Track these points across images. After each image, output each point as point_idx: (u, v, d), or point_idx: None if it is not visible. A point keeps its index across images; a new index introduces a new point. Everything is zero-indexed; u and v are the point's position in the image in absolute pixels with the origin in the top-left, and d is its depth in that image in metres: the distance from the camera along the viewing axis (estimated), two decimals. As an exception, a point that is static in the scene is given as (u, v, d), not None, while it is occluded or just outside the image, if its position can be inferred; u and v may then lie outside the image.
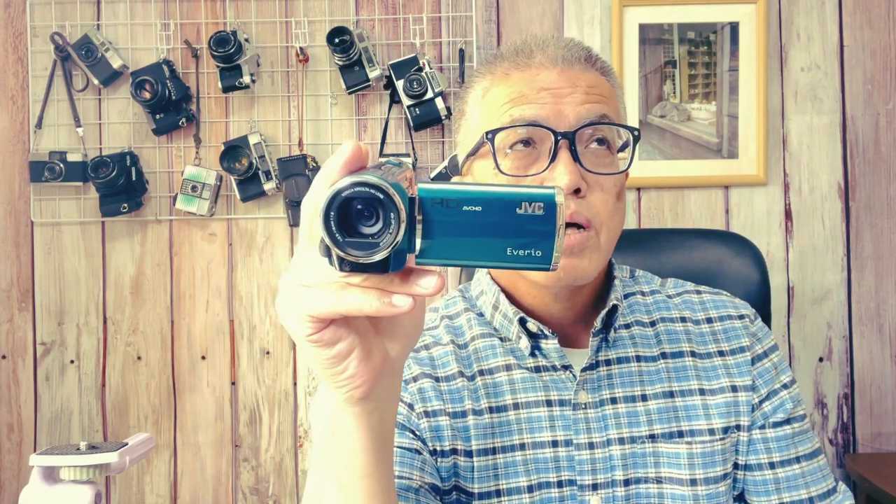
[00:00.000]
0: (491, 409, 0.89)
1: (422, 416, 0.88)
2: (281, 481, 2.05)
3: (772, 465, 0.90)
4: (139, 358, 2.05)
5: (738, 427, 0.90)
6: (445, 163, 1.96)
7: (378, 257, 0.45)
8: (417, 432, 0.87)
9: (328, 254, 0.46)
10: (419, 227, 0.46)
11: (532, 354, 0.90)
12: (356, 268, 0.46)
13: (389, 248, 0.45)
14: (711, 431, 0.89)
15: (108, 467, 0.77)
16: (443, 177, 1.96)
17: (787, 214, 2.00)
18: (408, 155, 1.97)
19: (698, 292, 0.98)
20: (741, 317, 0.96)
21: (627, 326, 0.93)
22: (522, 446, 0.87)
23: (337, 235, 0.45)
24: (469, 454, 0.88)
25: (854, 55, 1.99)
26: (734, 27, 1.97)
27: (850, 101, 1.99)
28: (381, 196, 0.44)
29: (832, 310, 1.99)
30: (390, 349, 0.55)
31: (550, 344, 0.89)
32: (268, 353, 2.05)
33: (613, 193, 0.85)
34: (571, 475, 0.87)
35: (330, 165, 0.49)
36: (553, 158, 0.82)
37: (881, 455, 1.96)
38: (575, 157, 0.82)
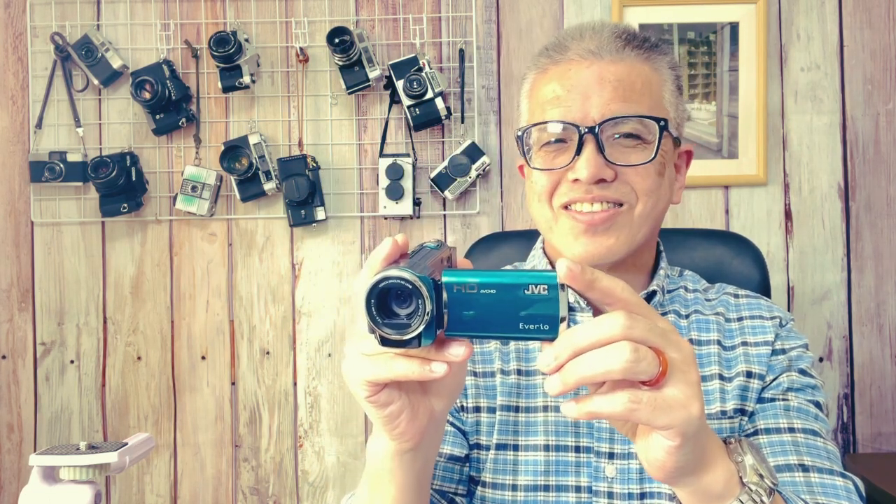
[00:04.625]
0: (519, 372, 0.95)
1: None
2: (281, 481, 2.05)
3: (756, 432, 0.91)
4: (139, 358, 2.05)
5: (743, 411, 0.92)
6: (445, 163, 1.96)
7: (410, 335, 0.55)
8: None
9: (373, 331, 0.56)
10: (445, 308, 0.56)
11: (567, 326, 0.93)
12: (394, 344, 0.55)
13: (419, 328, 0.54)
14: (723, 413, 0.92)
15: (107, 467, 0.77)
16: (443, 177, 1.96)
17: (787, 214, 2.00)
18: (408, 155, 1.97)
19: (736, 296, 1.02)
20: (773, 318, 0.98)
21: (664, 315, 0.97)
22: (545, 408, 0.92)
23: (377, 318, 0.55)
24: (492, 410, 0.94)
25: (854, 55, 1.99)
26: (734, 27, 1.97)
27: (850, 101, 1.99)
28: (410, 287, 0.54)
29: (832, 310, 1.99)
30: (435, 405, 0.65)
31: (585, 317, 0.94)
32: (268, 353, 2.05)
33: (652, 172, 0.90)
34: (590, 442, 0.91)
35: (373, 258, 0.59)
36: (578, 152, 0.88)
37: (881, 455, 1.96)
38: (600, 150, 0.87)
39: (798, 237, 2.00)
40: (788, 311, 1.99)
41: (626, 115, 0.88)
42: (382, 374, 0.59)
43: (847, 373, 2.00)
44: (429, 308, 0.54)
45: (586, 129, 0.87)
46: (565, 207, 0.90)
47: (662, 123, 0.89)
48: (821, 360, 2.00)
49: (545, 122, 0.90)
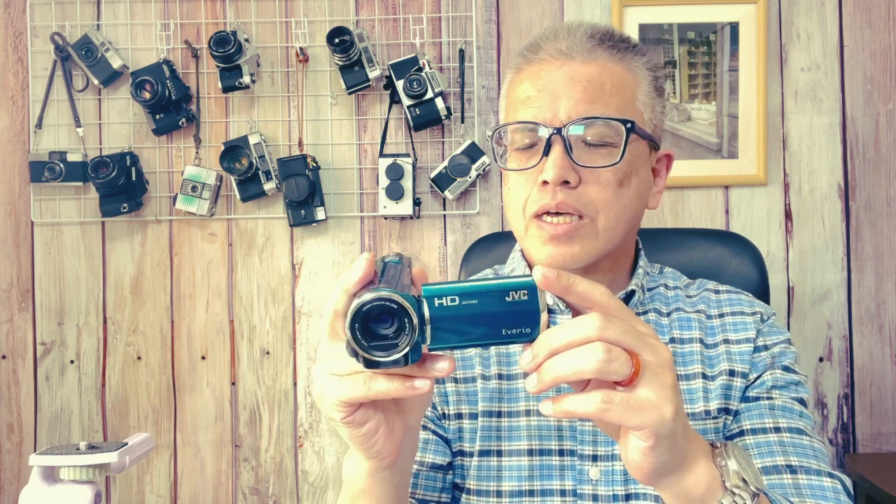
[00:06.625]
0: (500, 377, 0.95)
1: None
2: (281, 481, 2.05)
3: (742, 433, 0.90)
4: (139, 358, 2.05)
5: (727, 410, 0.92)
6: (445, 163, 1.96)
7: (398, 355, 0.54)
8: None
9: (356, 354, 0.55)
10: (429, 322, 0.55)
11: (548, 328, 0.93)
12: (381, 365, 0.54)
13: (406, 348, 0.54)
14: (707, 412, 0.91)
15: (107, 467, 0.77)
16: (443, 177, 1.96)
17: (787, 214, 2.00)
18: (408, 155, 1.97)
19: (717, 291, 1.01)
20: (754, 313, 0.97)
21: (645, 313, 0.97)
22: (528, 413, 0.92)
23: (362, 342, 0.54)
24: (474, 416, 0.93)
25: (854, 55, 1.99)
26: (734, 27, 1.97)
27: (850, 101, 1.99)
28: (395, 307, 0.53)
29: (832, 310, 1.99)
30: (409, 419, 0.65)
31: (564, 318, 0.93)
32: (268, 353, 2.05)
33: (613, 183, 0.89)
34: (573, 445, 0.91)
35: (347, 280, 0.59)
36: (545, 153, 0.87)
37: (881, 455, 1.96)
38: (568, 152, 0.87)
39: (798, 237, 2.00)
40: (788, 311, 1.99)
41: (592, 116, 0.87)
42: (361, 394, 0.58)
43: (847, 373, 2.00)
44: (415, 325, 0.53)
45: (554, 130, 0.87)
46: (535, 217, 0.89)
47: (629, 126, 0.88)
48: (821, 360, 2.00)
49: (515, 123, 0.90)
